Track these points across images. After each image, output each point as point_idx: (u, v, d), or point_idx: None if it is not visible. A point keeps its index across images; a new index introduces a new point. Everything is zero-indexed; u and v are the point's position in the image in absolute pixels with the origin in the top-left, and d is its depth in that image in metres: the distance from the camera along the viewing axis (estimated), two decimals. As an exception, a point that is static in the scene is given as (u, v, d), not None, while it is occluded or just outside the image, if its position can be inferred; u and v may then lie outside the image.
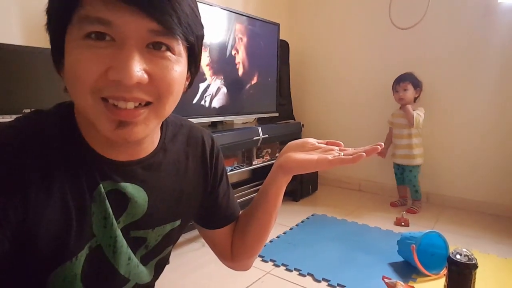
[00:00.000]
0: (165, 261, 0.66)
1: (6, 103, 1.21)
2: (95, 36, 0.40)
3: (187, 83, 0.53)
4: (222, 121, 2.15)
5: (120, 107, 0.42)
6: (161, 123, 0.52)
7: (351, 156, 0.54)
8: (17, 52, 1.27)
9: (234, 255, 0.73)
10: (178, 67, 0.46)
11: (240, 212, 0.74)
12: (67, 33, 0.42)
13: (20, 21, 1.43)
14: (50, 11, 0.44)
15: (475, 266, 1.17)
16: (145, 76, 0.42)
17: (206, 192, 0.66)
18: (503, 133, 2.24)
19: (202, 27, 0.50)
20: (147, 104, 0.45)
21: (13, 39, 1.40)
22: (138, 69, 0.41)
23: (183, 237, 1.87)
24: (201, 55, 0.52)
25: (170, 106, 0.48)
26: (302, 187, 2.57)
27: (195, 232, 1.89)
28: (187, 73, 0.51)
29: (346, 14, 2.75)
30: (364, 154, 0.54)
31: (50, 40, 0.45)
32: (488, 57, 2.22)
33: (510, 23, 2.13)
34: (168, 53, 0.44)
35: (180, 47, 0.45)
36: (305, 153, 0.61)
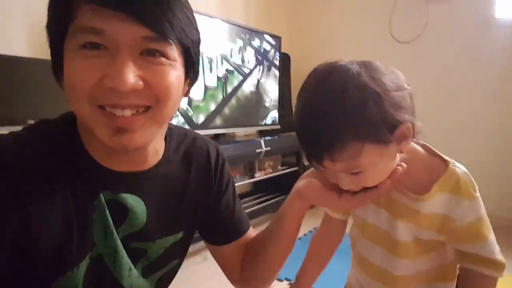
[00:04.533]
0: (169, 278, 0.64)
1: (11, 114, 1.22)
2: (90, 46, 0.41)
3: (187, 88, 0.53)
4: (224, 133, 2.16)
5: (117, 115, 0.43)
6: (161, 129, 0.52)
7: (376, 188, 0.51)
8: (22, 63, 1.29)
9: (243, 280, 0.68)
10: (174, 72, 0.46)
11: (254, 234, 0.70)
12: (65, 45, 0.43)
13: (25, 33, 1.45)
14: (49, 25, 0.45)
15: None
16: (140, 82, 0.42)
17: (209, 203, 0.65)
18: (510, 145, 2.22)
19: (197, 32, 0.50)
20: (145, 110, 0.45)
21: (18, 51, 1.41)
22: (132, 75, 0.41)
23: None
24: (198, 59, 0.52)
25: (169, 111, 0.47)
26: (305, 199, 2.54)
27: (197, 246, 1.86)
28: (186, 78, 0.51)
29: (347, 27, 2.79)
30: (389, 181, 0.51)
31: (51, 53, 0.46)
32: (488, 69, 2.23)
33: (508, 38, 2.15)
34: (163, 59, 0.44)
35: (174, 52, 0.45)
36: (328, 184, 0.55)
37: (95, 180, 0.49)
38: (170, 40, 0.43)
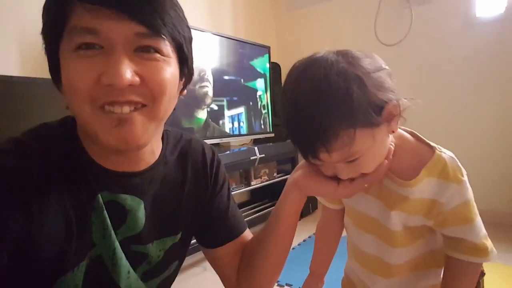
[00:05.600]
0: (169, 282, 0.64)
1: (4, 134, 1.21)
2: (85, 46, 0.42)
3: (182, 87, 0.54)
4: (218, 143, 2.17)
5: (116, 112, 0.43)
6: (159, 128, 0.52)
7: (373, 173, 0.52)
8: (15, 83, 1.29)
9: (241, 286, 0.66)
10: (169, 68, 0.46)
11: (250, 237, 0.68)
12: (60, 48, 0.44)
13: (17, 52, 1.45)
14: (44, 32, 0.46)
15: (482, 274, 1.16)
16: (136, 78, 0.43)
17: (203, 202, 0.64)
18: (505, 141, 2.24)
19: (189, 29, 0.51)
20: (142, 107, 0.45)
21: (11, 70, 1.41)
22: (128, 71, 0.42)
23: (185, 262, 1.83)
24: (192, 57, 0.53)
25: (165, 107, 0.48)
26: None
27: (197, 257, 1.85)
28: (181, 77, 0.51)
29: (334, 33, 2.83)
30: (386, 160, 0.52)
31: (48, 60, 0.47)
32: (471, 67, 2.27)
33: (488, 36, 2.20)
34: (157, 55, 0.45)
35: (168, 48, 0.46)
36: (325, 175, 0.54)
37: (94, 180, 0.49)
38: (162, 35, 0.44)
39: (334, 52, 0.50)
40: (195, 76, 1.89)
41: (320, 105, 0.46)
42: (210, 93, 2.03)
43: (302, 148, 0.51)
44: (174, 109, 0.52)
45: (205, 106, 2.01)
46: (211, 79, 2.03)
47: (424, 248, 0.60)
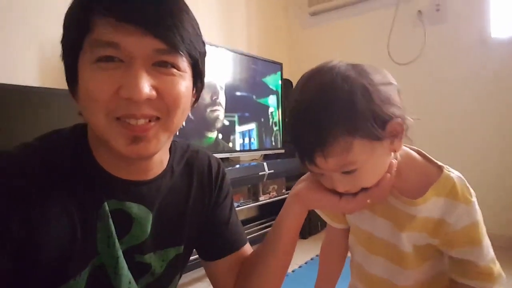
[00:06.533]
0: None
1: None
2: (106, 59, 0.43)
3: (194, 99, 0.55)
4: (228, 157, 2.17)
5: (132, 123, 0.45)
6: (171, 138, 0.54)
7: (376, 186, 0.51)
8: (33, 93, 1.32)
9: None
10: (184, 82, 0.48)
11: (250, 252, 0.68)
12: (80, 58, 0.45)
13: (36, 63, 1.50)
14: (64, 41, 0.47)
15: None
16: (154, 92, 0.44)
17: (206, 213, 0.64)
18: (507, 165, 2.20)
19: (204, 44, 0.53)
20: (157, 119, 0.47)
21: (29, 80, 1.45)
22: (146, 85, 0.43)
23: (189, 277, 1.81)
24: (204, 71, 0.54)
25: (178, 119, 0.49)
26: (310, 223, 2.51)
27: (202, 271, 1.83)
28: (193, 89, 0.53)
29: (346, 51, 2.85)
30: (389, 174, 0.51)
31: (65, 68, 0.48)
32: (485, 88, 2.24)
33: (504, 56, 2.18)
34: (174, 70, 0.47)
35: (184, 64, 0.48)
36: (328, 187, 0.54)
37: (101, 188, 0.50)
38: (180, 52, 0.46)
39: (345, 62, 0.51)
40: (207, 100, 1.92)
41: (322, 107, 0.46)
42: (221, 116, 2.03)
43: (299, 150, 0.50)
44: (183, 125, 0.54)
45: (215, 130, 2.01)
46: (223, 102, 2.03)
47: (434, 269, 0.58)
